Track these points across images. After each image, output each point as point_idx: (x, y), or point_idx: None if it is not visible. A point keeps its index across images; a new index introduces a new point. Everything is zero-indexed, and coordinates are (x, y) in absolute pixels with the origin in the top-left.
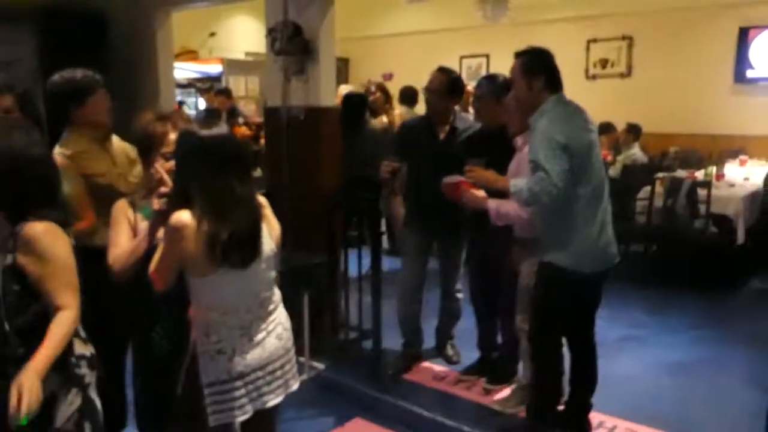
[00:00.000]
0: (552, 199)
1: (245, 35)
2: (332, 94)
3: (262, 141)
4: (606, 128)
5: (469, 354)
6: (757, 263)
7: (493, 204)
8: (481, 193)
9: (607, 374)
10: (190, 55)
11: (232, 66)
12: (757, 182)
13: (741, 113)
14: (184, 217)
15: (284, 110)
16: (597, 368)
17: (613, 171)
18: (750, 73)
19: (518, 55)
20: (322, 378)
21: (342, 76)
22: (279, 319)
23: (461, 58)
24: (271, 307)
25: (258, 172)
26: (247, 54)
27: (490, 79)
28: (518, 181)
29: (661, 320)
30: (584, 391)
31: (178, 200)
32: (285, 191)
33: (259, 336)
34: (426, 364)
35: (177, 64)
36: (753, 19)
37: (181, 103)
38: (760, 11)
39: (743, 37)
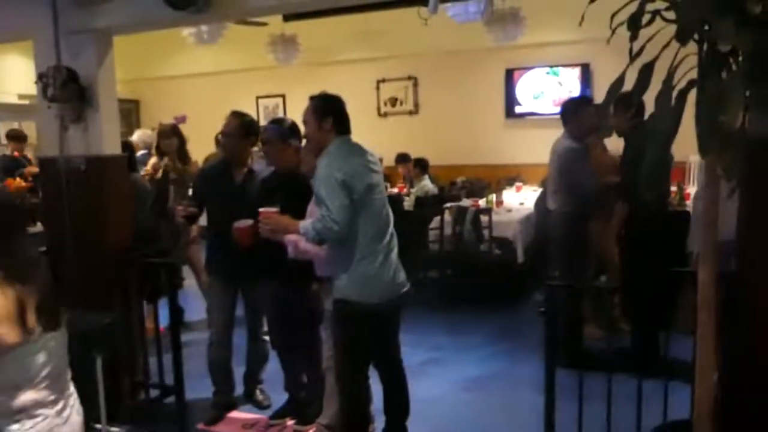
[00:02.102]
0: (334, 234)
1: (17, 76)
2: (116, 142)
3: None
4: (402, 158)
5: (280, 396)
6: (536, 278)
7: (293, 237)
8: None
9: (413, 398)
10: None
11: (3, 110)
12: (530, 206)
13: (514, 144)
14: None
15: (62, 160)
16: (408, 393)
17: (408, 203)
18: (518, 109)
19: (311, 98)
20: None
21: (132, 118)
22: (73, 390)
23: (257, 98)
24: (68, 377)
25: (38, 227)
26: (21, 96)
27: (277, 122)
28: (305, 222)
29: (459, 340)
30: (398, 417)
31: None
32: (68, 247)
33: (65, 412)
34: (235, 413)
35: None
36: (516, 61)
37: None
38: (522, 54)
39: (510, 77)
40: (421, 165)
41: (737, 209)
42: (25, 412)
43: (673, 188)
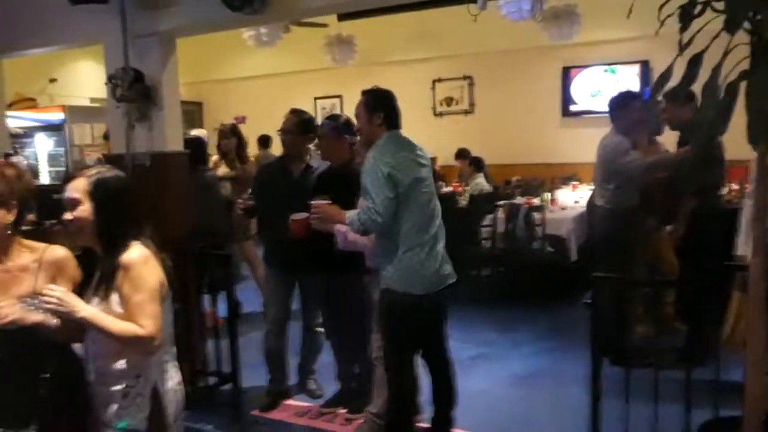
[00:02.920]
0: (377, 226)
1: (89, 80)
2: (178, 139)
3: None
4: (462, 153)
5: (332, 387)
6: (588, 277)
7: (342, 228)
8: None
9: (462, 391)
10: (27, 102)
11: (75, 113)
12: (584, 204)
13: (570, 143)
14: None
15: (129, 157)
16: (455, 384)
17: (463, 200)
18: (574, 107)
19: (363, 93)
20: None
21: (196, 119)
22: None
23: (315, 99)
24: None
25: None
26: (93, 100)
27: (332, 118)
28: (351, 212)
29: (508, 337)
30: (446, 407)
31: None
32: None
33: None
34: (289, 401)
35: (11, 113)
36: (573, 59)
37: (8, 154)
38: (579, 52)
39: (566, 75)
40: (476, 163)
41: None
42: (171, 362)
43: (735, 186)
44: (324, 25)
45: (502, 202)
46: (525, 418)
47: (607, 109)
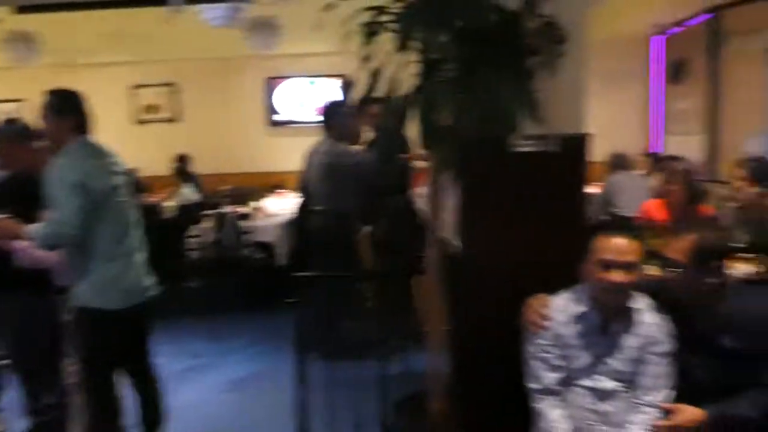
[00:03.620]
0: (68, 238)
1: None
2: None
3: None
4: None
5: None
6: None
7: (23, 244)
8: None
9: (174, 406)
10: None
11: None
12: (292, 211)
13: (275, 152)
14: None
15: None
16: (162, 401)
17: (168, 211)
18: (276, 117)
19: (49, 93)
20: None
21: None
22: None
23: None
24: None
25: None
26: None
27: (9, 123)
28: (35, 226)
29: (221, 345)
30: (154, 425)
31: None
32: None
33: None
34: None
35: None
36: (276, 70)
37: None
38: (281, 63)
39: (269, 85)
40: (182, 172)
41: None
42: None
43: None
44: None
45: (209, 212)
46: (239, 423)
47: (311, 119)
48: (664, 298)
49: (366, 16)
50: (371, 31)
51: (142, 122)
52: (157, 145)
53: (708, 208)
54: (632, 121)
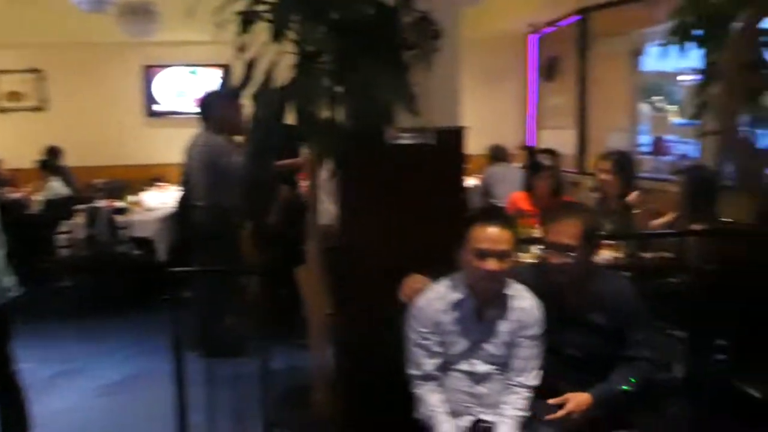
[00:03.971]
0: None
1: None
2: None
3: None
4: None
5: None
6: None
7: None
8: None
9: (43, 414)
10: None
11: None
12: (172, 204)
13: (155, 144)
14: None
15: None
16: (26, 410)
17: (36, 206)
18: (156, 108)
19: None
20: None
21: None
22: None
23: None
24: None
25: None
26: None
27: None
28: None
29: (97, 347)
30: None
31: None
32: None
33: None
34: None
35: None
36: (154, 58)
37: None
38: (160, 51)
39: (147, 74)
40: (48, 165)
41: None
42: None
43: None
44: None
45: (81, 207)
46: (114, 429)
47: (192, 109)
48: (543, 281)
49: (241, 5)
50: (247, 20)
51: (3, 111)
52: (21, 136)
53: (570, 198)
54: (511, 115)
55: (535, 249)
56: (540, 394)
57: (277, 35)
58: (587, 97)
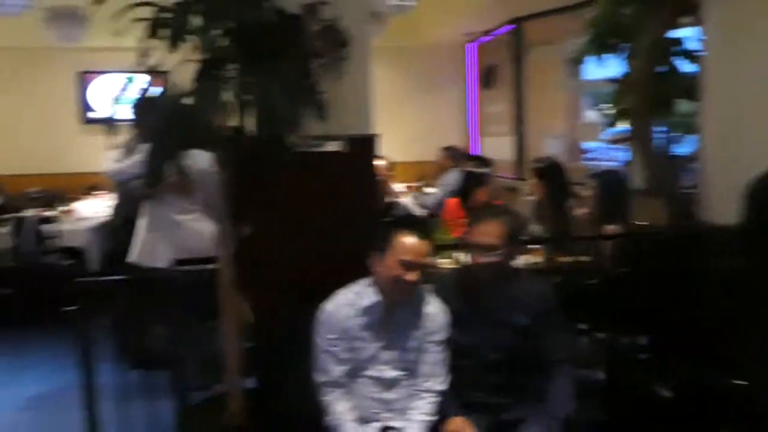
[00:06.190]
0: None
1: None
2: None
3: None
4: None
5: None
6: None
7: None
8: None
9: None
10: None
11: None
12: (106, 214)
13: (90, 152)
14: None
15: None
16: None
17: None
18: (92, 115)
19: None
20: None
21: None
22: None
23: None
24: None
25: None
26: None
27: None
28: None
29: (21, 361)
30: None
31: None
32: None
33: None
34: None
35: None
36: (90, 64)
37: None
38: (96, 57)
39: (83, 81)
40: None
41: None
42: None
43: None
44: None
45: (6, 216)
46: None
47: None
48: (466, 284)
49: (147, 11)
50: (149, 26)
51: None
52: None
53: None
54: (453, 123)
55: (457, 254)
56: (458, 404)
57: (174, 42)
58: (525, 104)
